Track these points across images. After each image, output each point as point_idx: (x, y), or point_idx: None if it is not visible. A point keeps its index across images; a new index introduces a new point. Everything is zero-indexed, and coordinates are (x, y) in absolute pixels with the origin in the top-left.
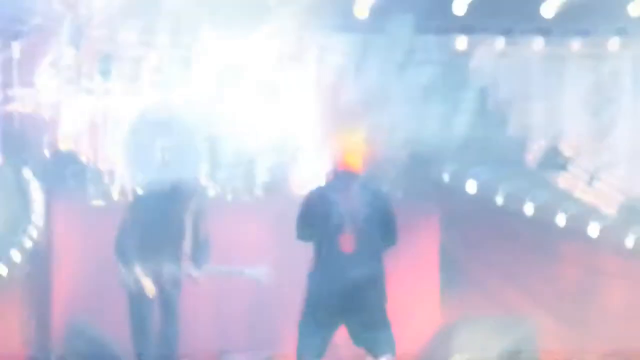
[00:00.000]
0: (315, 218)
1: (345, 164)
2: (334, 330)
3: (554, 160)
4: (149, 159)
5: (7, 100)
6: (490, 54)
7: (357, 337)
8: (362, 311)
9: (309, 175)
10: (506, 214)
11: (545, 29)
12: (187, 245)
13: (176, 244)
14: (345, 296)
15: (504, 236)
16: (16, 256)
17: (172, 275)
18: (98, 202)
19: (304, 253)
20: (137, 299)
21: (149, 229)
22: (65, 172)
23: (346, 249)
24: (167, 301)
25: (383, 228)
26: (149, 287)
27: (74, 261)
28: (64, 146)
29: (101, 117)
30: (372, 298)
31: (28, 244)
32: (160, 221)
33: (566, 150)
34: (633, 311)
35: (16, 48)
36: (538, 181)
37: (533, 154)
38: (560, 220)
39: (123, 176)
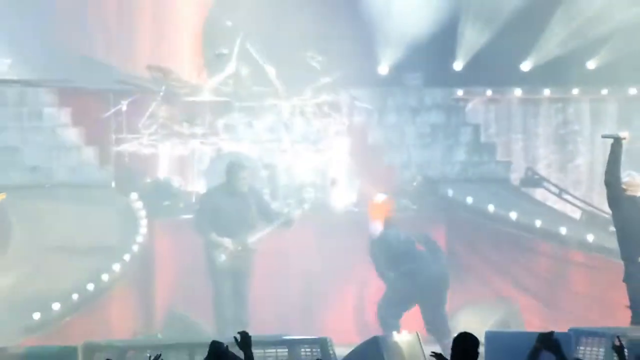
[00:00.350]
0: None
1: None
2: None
3: (532, 179)
4: (225, 184)
5: (119, 142)
6: (482, 100)
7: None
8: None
9: (342, 197)
10: (496, 219)
11: (523, 81)
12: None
13: (241, 226)
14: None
15: (495, 236)
16: (127, 258)
17: (238, 240)
18: (187, 216)
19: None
20: (218, 291)
21: (220, 218)
22: (162, 195)
23: None
24: (240, 291)
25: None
26: (226, 245)
27: (171, 261)
28: (161, 175)
29: (189, 154)
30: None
31: (136, 249)
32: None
33: (541, 171)
34: (594, 292)
35: (125, 104)
36: (520, 195)
37: (516, 174)
38: (538, 223)
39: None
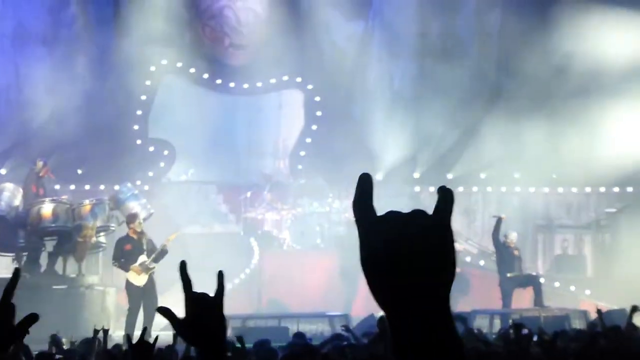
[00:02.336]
0: None
1: None
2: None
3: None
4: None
5: (245, 211)
6: (432, 194)
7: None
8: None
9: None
10: None
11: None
12: None
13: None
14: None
15: None
16: (242, 276)
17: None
18: (281, 249)
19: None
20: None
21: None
22: (267, 238)
23: None
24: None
25: None
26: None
27: (273, 273)
28: (265, 229)
29: (279, 218)
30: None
31: (249, 271)
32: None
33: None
34: (484, 291)
35: (249, 192)
36: None
37: None
38: None
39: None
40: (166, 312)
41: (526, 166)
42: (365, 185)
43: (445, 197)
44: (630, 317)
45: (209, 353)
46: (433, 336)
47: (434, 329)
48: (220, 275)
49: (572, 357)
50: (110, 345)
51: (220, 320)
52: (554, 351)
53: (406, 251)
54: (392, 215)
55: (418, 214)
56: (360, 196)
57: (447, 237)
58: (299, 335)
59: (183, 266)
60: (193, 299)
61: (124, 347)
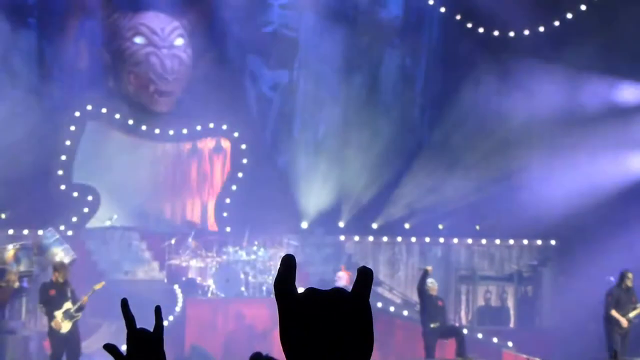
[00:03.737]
0: None
1: None
2: None
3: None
4: None
5: (169, 259)
6: (357, 243)
7: None
8: None
9: None
10: None
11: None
12: None
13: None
14: None
15: None
16: (166, 324)
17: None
18: (203, 298)
19: None
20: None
21: None
22: (191, 286)
23: None
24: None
25: None
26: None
27: (195, 320)
28: (189, 276)
29: (204, 265)
30: None
31: (172, 318)
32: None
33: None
34: (409, 340)
35: (173, 239)
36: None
37: None
38: (379, 305)
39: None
40: (112, 350)
41: (450, 217)
42: (287, 267)
43: (365, 279)
44: None
45: None
46: None
47: None
48: (158, 311)
49: None
50: None
51: (161, 355)
52: None
53: (327, 333)
54: (312, 296)
55: (337, 295)
56: (281, 277)
57: (366, 318)
58: None
59: (125, 304)
60: (135, 335)
61: None
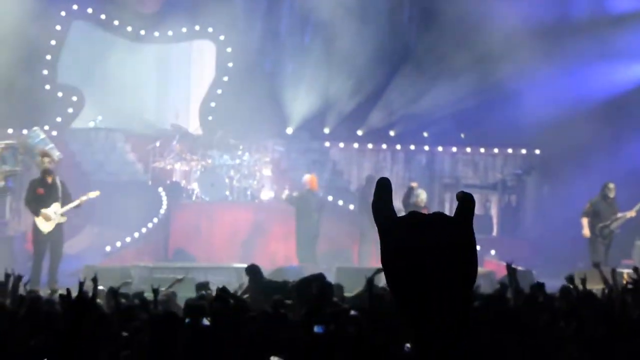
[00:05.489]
0: None
1: None
2: None
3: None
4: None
5: (154, 161)
6: (342, 150)
7: None
8: None
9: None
10: None
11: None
12: None
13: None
14: None
15: None
16: (150, 226)
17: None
18: (187, 201)
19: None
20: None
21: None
22: (175, 190)
23: None
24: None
25: None
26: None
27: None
28: (174, 179)
29: (189, 169)
30: None
31: (157, 220)
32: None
33: None
34: None
35: (158, 142)
36: None
37: None
38: None
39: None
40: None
41: (435, 125)
42: (384, 189)
43: (468, 205)
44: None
45: None
46: (457, 336)
47: (458, 329)
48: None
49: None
50: (22, 290)
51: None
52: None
53: (431, 258)
54: (414, 219)
55: (441, 218)
56: (379, 199)
57: (471, 244)
58: (204, 285)
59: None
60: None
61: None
